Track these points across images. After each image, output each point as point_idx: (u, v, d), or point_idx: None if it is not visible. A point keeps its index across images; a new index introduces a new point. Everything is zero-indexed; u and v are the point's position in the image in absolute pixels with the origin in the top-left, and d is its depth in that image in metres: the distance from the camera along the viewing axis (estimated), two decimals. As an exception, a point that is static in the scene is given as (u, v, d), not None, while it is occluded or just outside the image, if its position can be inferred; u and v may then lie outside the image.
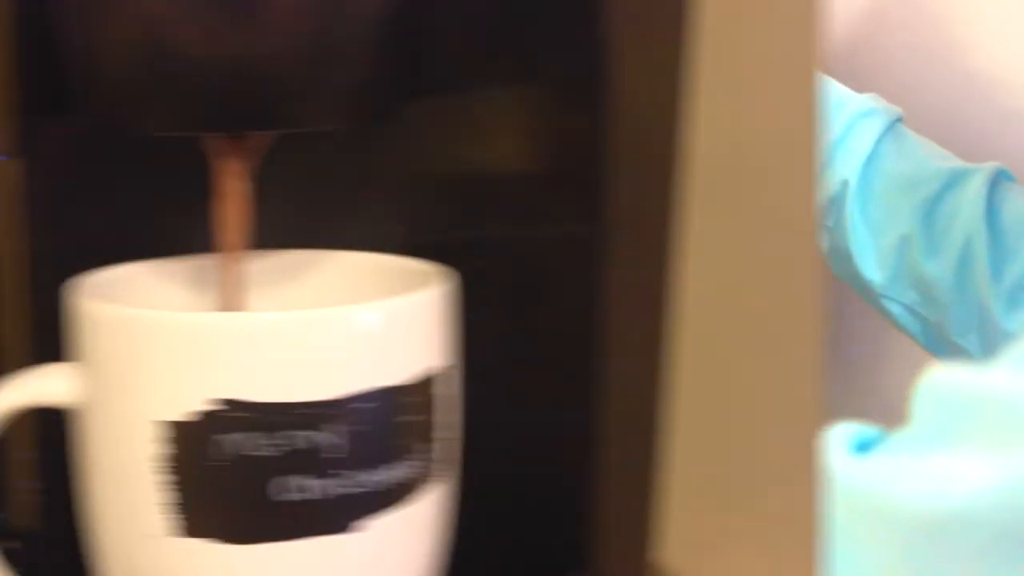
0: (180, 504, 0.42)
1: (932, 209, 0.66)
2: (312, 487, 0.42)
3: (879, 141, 0.67)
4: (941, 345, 0.68)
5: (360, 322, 0.42)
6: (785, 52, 0.60)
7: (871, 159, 0.67)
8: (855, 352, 0.74)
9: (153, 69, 0.42)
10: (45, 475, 0.51)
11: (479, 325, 0.47)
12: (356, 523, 0.42)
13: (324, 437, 0.41)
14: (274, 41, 0.42)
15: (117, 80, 0.43)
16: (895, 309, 0.68)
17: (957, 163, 0.67)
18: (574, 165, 0.49)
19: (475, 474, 0.47)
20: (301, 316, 0.42)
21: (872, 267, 0.68)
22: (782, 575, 0.62)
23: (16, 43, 0.47)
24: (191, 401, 0.41)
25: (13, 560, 0.46)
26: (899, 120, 0.68)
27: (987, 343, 0.65)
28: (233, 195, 0.45)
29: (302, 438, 0.41)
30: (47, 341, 0.48)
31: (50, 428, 0.49)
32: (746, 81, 0.62)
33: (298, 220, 0.50)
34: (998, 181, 0.65)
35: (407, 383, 0.43)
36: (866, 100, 0.68)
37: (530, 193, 0.51)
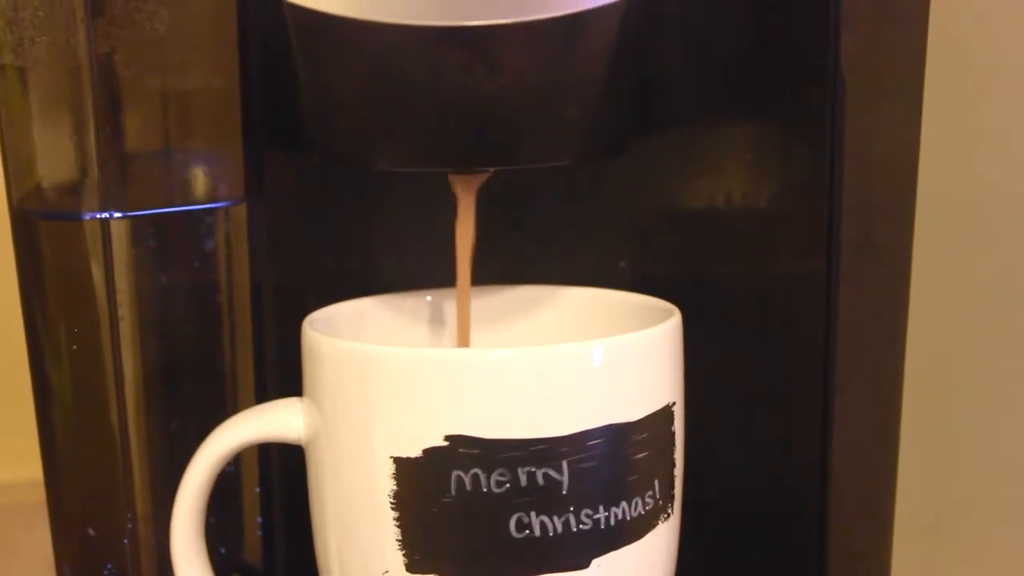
0: (416, 540, 0.42)
1: None
2: (550, 524, 0.41)
3: None
4: None
5: (596, 358, 0.42)
6: (1015, 81, 0.59)
7: None
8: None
9: (388, 109, 0.42)
10: (267, 510, 0.51)
11: (708, 361, 0.46)
12: (593, 559, 0.42)
13: (560, 474, 0.41)
14: (506, 81, 0.41)
15: (354, 120, 0.43)
16: None
17: None
18: (805, 200, 0.48)
19: (710, 509, 0.47)
20: (538, 352, 0.41)
21: None
22: None
23: (251, 88, 0.48)
24: (426, 437, 0.41)
25: None
26: None
27: None
28: (461, 225, 0.46)
29: (539, 475, 0.41)
30: (273, 376, 0.49)
31: (270, 464, 0.50)
32: (979, 114, 0.61)
33: (526, 257, 0.51)
34: None
35: (640, 419, 0.42)
36: None
37: (761, 228, 0.50)
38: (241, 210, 0.49)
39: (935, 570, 0.65)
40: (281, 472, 0.50)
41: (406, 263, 0.50)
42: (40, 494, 0.48)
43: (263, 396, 0.49)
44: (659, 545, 0.44)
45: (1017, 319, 0.61)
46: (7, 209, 0.47)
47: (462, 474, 0.41)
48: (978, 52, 0.60)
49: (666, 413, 0.43)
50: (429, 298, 0.50)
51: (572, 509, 0.41)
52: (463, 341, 0.48)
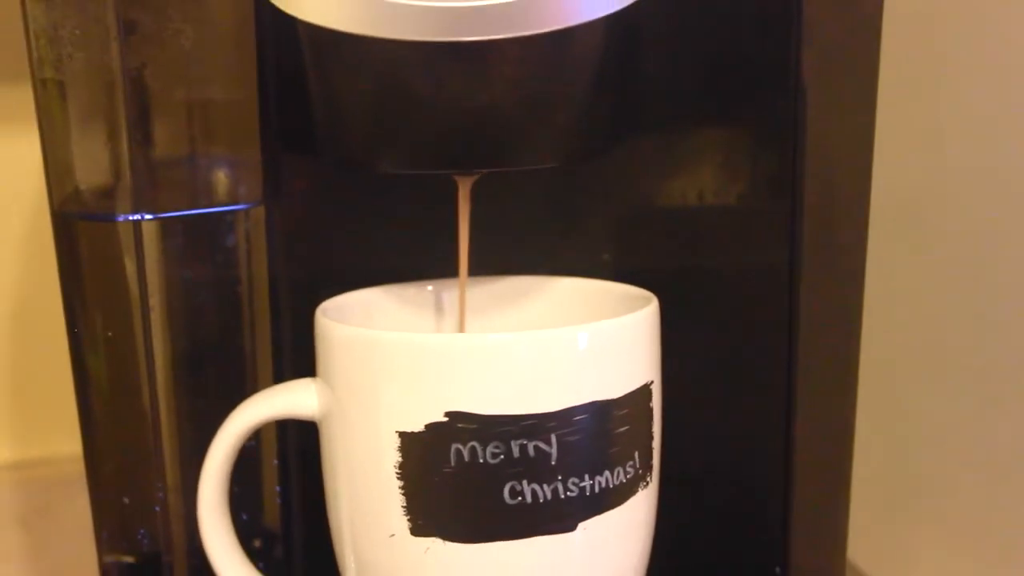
0: (419, 506, 0.42)
1: None
2: (540, 491, 0.42)
3: None
4: None
5: (582, 341, 0.42)
6: (956, 92, 0.60)
7: None
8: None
9: (393, 116, 0.42)
10: (284, 480, 0.51)
11: (684, 344, 0.46)
12: (579, 523, 0.42)
13: (549, 446, 0.41)
14: (501, 90, 0.42)
15: (361, 126, 0.44)
16: None
17: None
18: (770, 198, 0.48)
19: (684, 479, 0.47)
20: (529, 336, 0.42)
21: None
22: (957, 568, 0.62)
23: (268, 98, 0.48)
24: (428, 414, 0.41)
25: (254, 556, 0.47)
26: None
27: None
28: (460, 220, 0.46)
29: (530, 447, 0.41)
30: (289, 359, 0.50)
31: (287, 439, 0.51)
32: (925, 121, 0.62)
33: (516, 250, 0.50)
34: None
35: (621, 396, 0.43)
36: None
37: (729, 224, 0.51)
38: (259, 211, 0.49)
39: (886, 533, 0.65)
40: (297, 446, 0.50)
41: (408, 256, 0.50)
42: (79, 467, 0.48)
43: (280, 378, 0.49)
44: (639, 510, 0.45)
45: (961, 305, 0.61)
46: (49, 211, 0.47)
47: (460, 447, 0.41)
48: (925, 65, 0.61)
49: (645, 391, 0.44)
50: (430, 288, 0.50)
51: (560, 478, 0.42)
52: (460, 326, 0.49)
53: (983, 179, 0.59)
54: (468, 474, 0.41)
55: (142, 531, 0.49)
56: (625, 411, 0.43)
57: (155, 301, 0.47)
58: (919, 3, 0.58)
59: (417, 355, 0.42)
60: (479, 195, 0.46)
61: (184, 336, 0.48)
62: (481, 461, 0.41)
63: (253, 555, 0.47)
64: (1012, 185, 0.57)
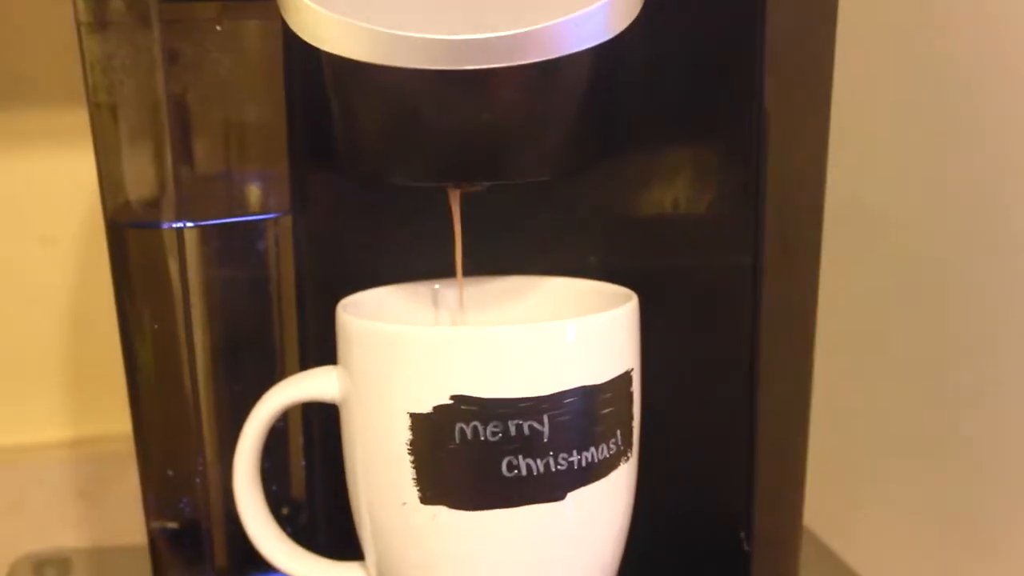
0: (427, 478, 0.43)
1: None
2: (533, 465, 0.42)
3: None
4: None
5: (570, 333, 0.43)
6: (894, 116, 0.60)
7: None
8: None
9: (404, 135, 0.43)
10: (309, 455, 0.52)
11: (661, 336, 0.47)
12: (568, 493, 0.43)
13: (542, 425, 0.42)
14: (498, 112, 0.42)
15: (376, 143, 0.44)
16: None
17: None
18: (736, 207, 0.48)
19: (658, 458, 0.47)
20: (524, 329, 0.43)
21: None
22: (899, 531, 0.62)
23: (295, 119, 0.48)
24: (436, 397, 0.42)
25: (282, 522, 0.47)
26: None
27: None
28: (456, 226, 0.46)
29: (525, 426, 0.42)
30: (313, 349, 0.50)
31: (312, 419, 0.51)
32: (872, 140, 0.62)
33: (512, 253, 0.50)
34: None
35: (605, 382, 0.43)
36: None
37: (700, 230, 0.51)
38: (287, 219, 0.49)
39: (835, 500, 0.65)
40: (320, 426, 0.50)
41: (417, 258, 0.49)
42: (129, 444, 0.49)
43: (305, 365, 0.49)
44: (621, 482, 0.45)
45: (903, 299, 0.61)
46: (103, 220, 0.47)
47: (464, 426, 0.42)
48: (870, 92, 0.62)
49: (626, 377, 0.44)
50: (437, 286, 0.50)
51: (551, 453, 0.42)
52: (462, 320, 0.49)
53: (921, 188, 0.60)
54: (470, 450, 0.42)
55: (184, 500, 0.49)
56: (609, 395, 0.44)
57: (195, 298, 0.47)
58: (865, 43, 0.59)
59: (426, 345, 0.42)
60: (483, 205, 0.46)
61: (221, 329, 0.48)
62: (482, 439, 0.42)
63: (281, 521, 0.47)
64: (946, 192, 0.58)
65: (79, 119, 0.46)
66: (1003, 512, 0.56)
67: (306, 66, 0.44)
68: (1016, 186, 0.53)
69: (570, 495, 0.43)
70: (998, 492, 0.56)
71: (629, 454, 0.45)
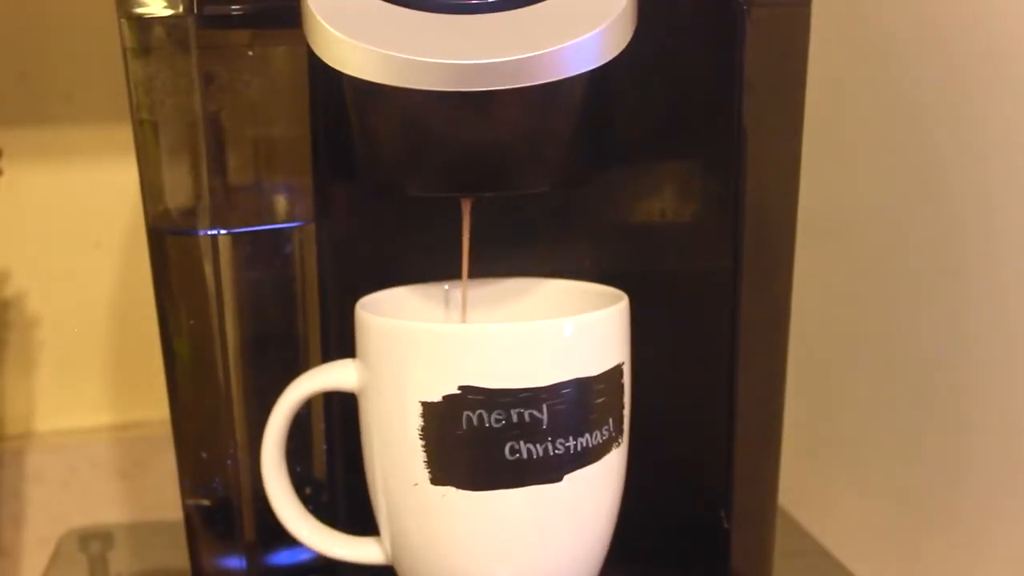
0: (437, 461, 0.43)
1: None
2: (533, 449, 0.42)
3: None
4: None
5: (567, 330, 0.43)
6: (863, 132, 0.60)
7: None
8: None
9: (417, 149, 0.43)
10: (330, 440, 0.51)
11: (649, 333, 0.47)
12: (565, 475, 0.43)
13: (541, 413, 0.42)
14: (502, 130, 0.42)
15: (392, 157, 0.44)
16: None
17: None
18: (718, 216, 0.48)
19: (647, 440, 0.47)
20: (525, 326, 0.43)
21: None
22: (868, 509, 0.62)
23: (319, 135, 0.48)
24: (445, 387, 0.42)
25: (305, 501, 0.48)
26: None
27: None
28: (466, 233, 0.46)
29: (526, 414, 0.42)
30: (334, 344, 0.50)
31: (332, 407, 0.50)
32: (839, 157, 0.62)
33: (514, 257, 0.50)
34: None
35: (599, 374, 0.43)
36: None
37: (685, 237, 0.51)
38: (311, 226, 0.49)
39: (808, 481, 0.65)
40: (340, 413, 0.50)
41: (429, 262, 0.49)
42: (167, 429, 0.48)
43: (327, 358, 0.49)
44: (613, 465, 0.45)
45: (869, 297, 0.61)
46: (144, 226, 0.46)
47: (470, 414, 0.42)
48: (841, 110, 0.62)
49: (618, 370, 0.45)
50: (447, 287, 0.50)
51: (550, 439, 0.43)
52: (468, 318, 0.49)
53: (888, 196, 0.60)
54: (476, 436, 0.42)
55: (217, 480, 0.48)
56: (602, 386, 0.44)
57: (227, 297, 0.47)
58: (834, 64, 0.59)
59: (437, 341, 0.43)
60: (489, 214, 0.46)
61: (250, 325, 0.48)
62: (487, 425, 0.42)
63: (304, 500, 0.48)
64: (910, 201, 0.58)
65: (124, 135, 0.46)
66: (966, 492, 0.55)
67: (329, 87, 0.44)
68: (983, 190, 0.53)
69: (567, 477, 0.43)
70: (969, 478, 0.55)
71: (620, 440, 0.46)
